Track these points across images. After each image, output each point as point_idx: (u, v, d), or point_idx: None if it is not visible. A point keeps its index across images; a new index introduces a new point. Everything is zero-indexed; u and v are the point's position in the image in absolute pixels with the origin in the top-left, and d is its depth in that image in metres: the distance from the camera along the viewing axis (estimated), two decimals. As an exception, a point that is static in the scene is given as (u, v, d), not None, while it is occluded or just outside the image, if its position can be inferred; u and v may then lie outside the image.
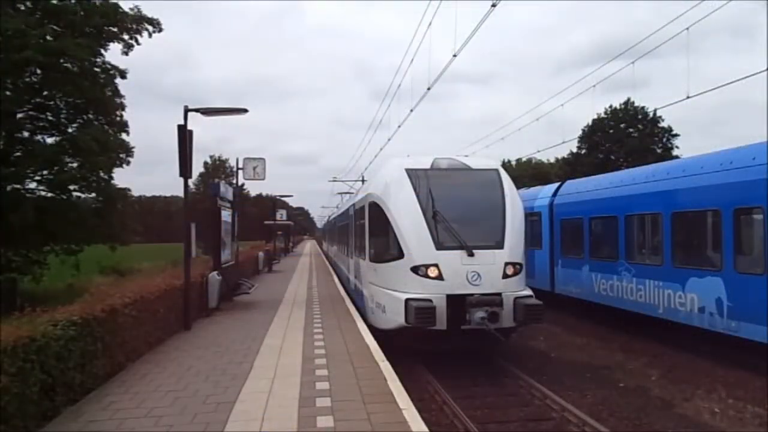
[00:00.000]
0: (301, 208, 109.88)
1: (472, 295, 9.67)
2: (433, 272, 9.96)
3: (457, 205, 10.66)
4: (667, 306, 11.93)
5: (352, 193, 27.57)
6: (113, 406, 6.53)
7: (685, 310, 11.39)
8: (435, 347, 10.26)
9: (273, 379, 7.56)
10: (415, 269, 10.08)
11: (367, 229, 12.51)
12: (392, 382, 7.31)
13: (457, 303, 9.66)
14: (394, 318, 10.10)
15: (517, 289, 10.25)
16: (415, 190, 10.71)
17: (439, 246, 10.12)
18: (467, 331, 9.67)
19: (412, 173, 11.04)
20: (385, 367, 8.13)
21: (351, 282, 16.73)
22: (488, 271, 9.97)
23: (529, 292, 10.49)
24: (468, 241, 10.08)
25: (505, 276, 10.10)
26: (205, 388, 7.19)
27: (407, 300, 9.75)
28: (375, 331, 10.93)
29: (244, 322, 12.71)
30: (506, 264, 10.15)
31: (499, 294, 9.80)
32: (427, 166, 11.30)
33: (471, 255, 9.99)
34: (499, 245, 10.30)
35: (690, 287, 11.26)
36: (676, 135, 50.92)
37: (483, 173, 11.52)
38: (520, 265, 10.49)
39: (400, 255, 10.38)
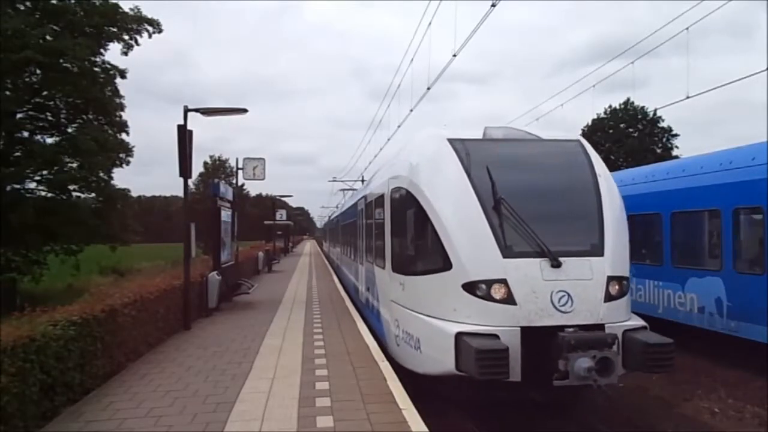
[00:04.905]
0: (300, 208, 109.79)
1: (562, 328, 6.40)
2: (498, 291, 6.67)
3: (530, 191, 7.41)
4: (667, 306, 11.92)
5: (355, 190, 26.54)
6: (113, 406, 6.53)
7: (684, 310, 11.38)
8: (503, 400, 7.14)
9: (273, 379, 7.55)
10: (470, 287, 6.80)
11: (389, 227, 9.09)
12: (392, 382, 7.30)
13: (539, 340, 6.42)
14: (438, 359, 6.83)
15: (625, 317, 7.07)
16: (465, 168, 7.39)
17: (508, 252, 6.83)
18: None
19: (458, 145, 7.68)
20: (385, 367, 8.12)
21: (361, 294, 13.20)
22: (583, 291, 6.69)
23: (641, 322, 7.18)
24: (551, 245, 6.83)
25: (609, 298, 6.81)
26: (205, 388, 7.19)
27: (459, 335, 6.49)
28: (401, 369, 7.89)
29: (243, 322, 12.69)
30: (609, 279, 6.89)
31: (603, 326, 6.62)
32: (479, 136, 8.09)
33: (556, 265, 6.75)
34: (597, 251, 7.05)
35: (689, 287, 11.25)
36: (676, 135, 51.15)
37: (560, 145, 8.28)
38: (627, 280, 7.26)
39: (446, 265, 7.05)
